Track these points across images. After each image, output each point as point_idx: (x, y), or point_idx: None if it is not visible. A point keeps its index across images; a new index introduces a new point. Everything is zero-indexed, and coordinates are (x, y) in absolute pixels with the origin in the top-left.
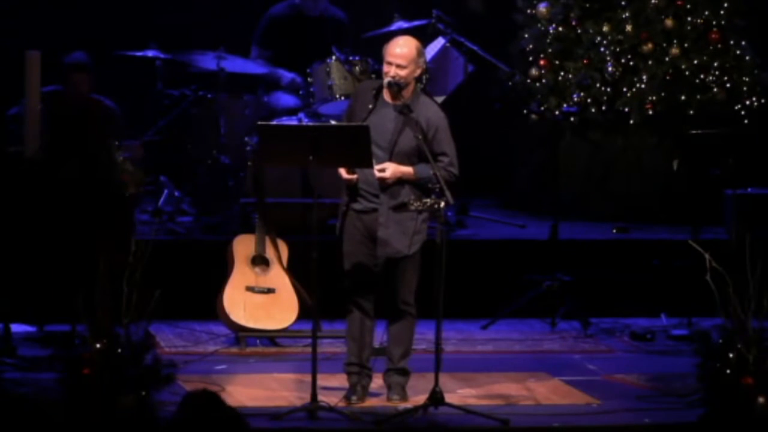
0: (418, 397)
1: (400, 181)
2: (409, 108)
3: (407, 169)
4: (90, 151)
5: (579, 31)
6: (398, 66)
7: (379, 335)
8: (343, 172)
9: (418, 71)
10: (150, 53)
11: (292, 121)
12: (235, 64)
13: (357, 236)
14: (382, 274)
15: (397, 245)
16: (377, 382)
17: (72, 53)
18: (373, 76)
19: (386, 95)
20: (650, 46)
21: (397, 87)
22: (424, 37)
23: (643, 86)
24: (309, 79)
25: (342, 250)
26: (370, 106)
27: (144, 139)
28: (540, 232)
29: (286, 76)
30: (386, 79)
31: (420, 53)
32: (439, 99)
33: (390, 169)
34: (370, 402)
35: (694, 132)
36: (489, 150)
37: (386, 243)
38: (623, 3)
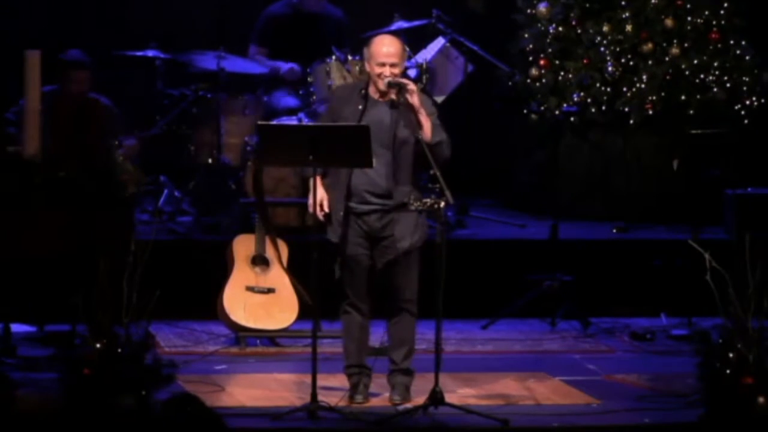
0: (418, 397)
1: (401, 181)
2: (400, 98)
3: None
4: (89, 151)
5: (579, 31)
6: (392, 65)
7: (379, 335)
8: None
9: (404, 66)
10: (150, 53)
11: (292, 121)
12: (235, 64)
13: (356, 238)
14: (382, 275)
15: (411, 239)
16: (377, 382)
17: (68, 51)
18: None
19: (374, 94)
20: (650, 46)
21: (397, 86)
22: (424, 37)
23: (643, 86)
24: (309, 79)
25: (339, 252)
26: (360, 107)
27: (141, 135)
28: (540, 232)
29: (284, 66)
30: (385, 80)
31: (404, 48)
32: (439, 99)
33: (416, 93)
34: (370, 402)
35: (694, 132)
36: (489, 150)
37: (401, 238)
38: (623, 3)
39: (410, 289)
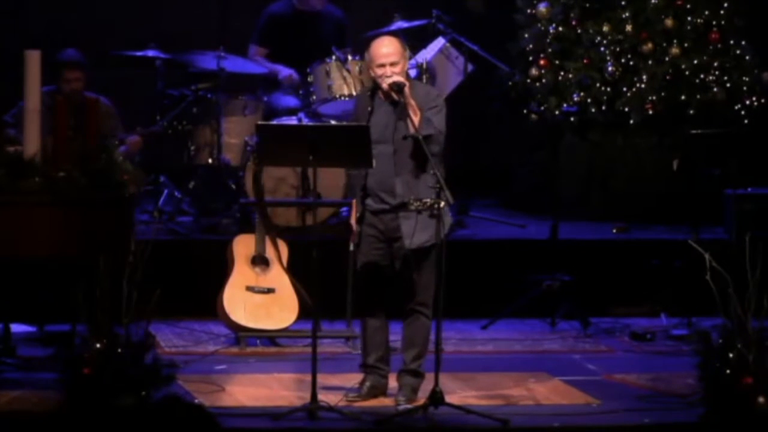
0: (418, 398)
1: (406, 180)
2: (399, 95)
3: (416, 109)
4: (89, 151)
5: (579, 31)
6: (392, 64)
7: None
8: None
9: (406, 64)
10: (150, 53)
11: (292, 121)
12: (235, 64)
13: (373, 243)
14: (397, 274)
15: (416, 238)
16: (392, 383)
17: (64, 51)
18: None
19: (381, 95)
20: (650, 46)
21: (398, 87)
22: (424, 37)
23: (643, 86)
24: (309, 79)
25: (357, 251)
26: (369, 109)
27: (143, 131)
28: (540, 232)
29: (284, 71)
30: (386, 82)
31: (404, 46)
32: None
33: (406, 88)
34: (371, 402)
35: (694, 132)
36: (489, 150)
37: (406, 237)
38: (623, 3)
39: (423, 291)
